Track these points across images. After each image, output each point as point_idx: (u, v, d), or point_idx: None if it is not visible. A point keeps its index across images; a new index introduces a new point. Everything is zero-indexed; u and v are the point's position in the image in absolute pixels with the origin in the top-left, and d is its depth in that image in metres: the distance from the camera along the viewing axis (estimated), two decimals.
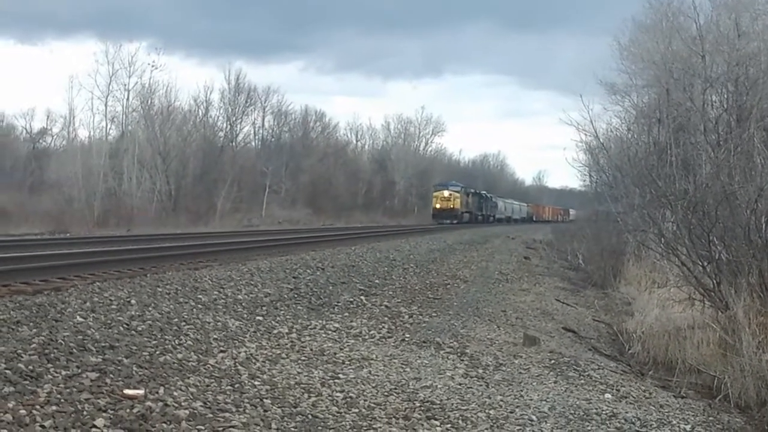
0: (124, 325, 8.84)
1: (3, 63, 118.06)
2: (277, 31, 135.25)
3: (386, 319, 11.89)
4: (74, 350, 7.41)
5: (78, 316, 8.87)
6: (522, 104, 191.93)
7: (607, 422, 7.72)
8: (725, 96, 26.29)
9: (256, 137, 76.48)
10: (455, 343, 10.71)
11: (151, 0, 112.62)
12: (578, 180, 45.75)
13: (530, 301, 17.01)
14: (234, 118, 70.81)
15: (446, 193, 71.88)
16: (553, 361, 10.44)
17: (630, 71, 31.47)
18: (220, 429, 6.09)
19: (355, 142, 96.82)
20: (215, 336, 9.17)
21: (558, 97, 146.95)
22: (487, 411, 7.54)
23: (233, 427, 6.15)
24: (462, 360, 9.76)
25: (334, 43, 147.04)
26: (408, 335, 10.80)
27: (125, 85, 57.69)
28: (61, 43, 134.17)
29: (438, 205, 71.69)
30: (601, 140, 31.13)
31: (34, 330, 7.89)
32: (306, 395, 7.38)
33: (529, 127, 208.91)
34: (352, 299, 13.33)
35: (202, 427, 6.01)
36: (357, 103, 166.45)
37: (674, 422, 8.28)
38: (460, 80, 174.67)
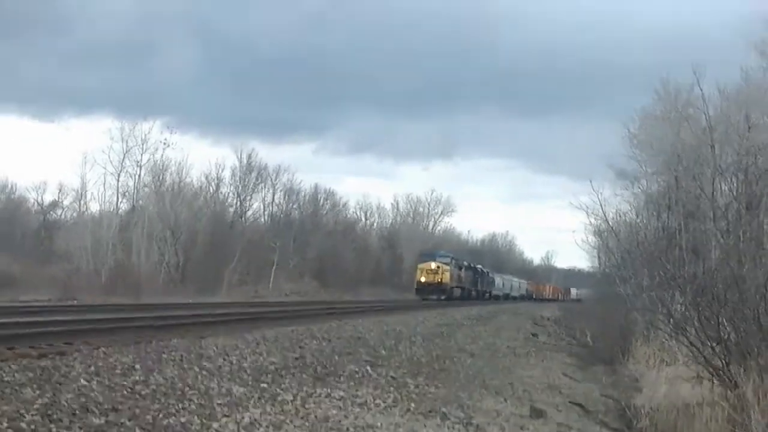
0: (128, 389, 8.79)
1: (19, 138, 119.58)
2: (292, 112, 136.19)
3: (392, 389, 11.79)
4: (77, 412, 7.39)
5: (82, 380, 8.84)
6: (532, 188, 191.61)
7: None
8: (735, 184, 26.49)
9: (266, 213, 76.80)
10: (461, 413, 10.60)
11: (169, 81, 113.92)
12: (586, 261, 45.97)
13: (537, 375, 16.87)
14: (244, 195, 71.34)
15: (433, 264, 62.68)
16: None
17: (640, 159, 31.86)
18: None
19: (364, 220, 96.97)
20: (219, 401, 9.10)
21: (568, 182, 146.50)
22: None
23: None
24: (468, 430, 9.65)
25: (348, 124, 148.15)
26: (414, 405, 10.69)
27: (138, 161, 58.47)
28: (78, 120, 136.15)
29: (423, 278, 62.39)
30: (610, 224, 31.34)
31: (38, 392, 7.87)
32: None
33: (539, 209, 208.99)
34: (357, 369, 13.23)
35: None
36: (368, 183, 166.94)
37: None
38: (471, 163, 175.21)
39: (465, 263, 73.37)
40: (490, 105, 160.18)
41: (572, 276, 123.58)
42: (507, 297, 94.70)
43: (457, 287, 66.66)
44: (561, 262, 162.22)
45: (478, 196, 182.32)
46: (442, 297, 60.18)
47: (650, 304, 22.66)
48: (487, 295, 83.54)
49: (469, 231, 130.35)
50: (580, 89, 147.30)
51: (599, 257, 39.42)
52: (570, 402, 14.32)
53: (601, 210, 30.02)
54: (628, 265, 28.21)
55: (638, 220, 31.95)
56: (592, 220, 31.37)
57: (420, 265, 64.22)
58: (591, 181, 29.37)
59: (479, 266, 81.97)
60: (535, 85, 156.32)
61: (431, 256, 65.16)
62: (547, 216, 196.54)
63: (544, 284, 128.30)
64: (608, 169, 34.05)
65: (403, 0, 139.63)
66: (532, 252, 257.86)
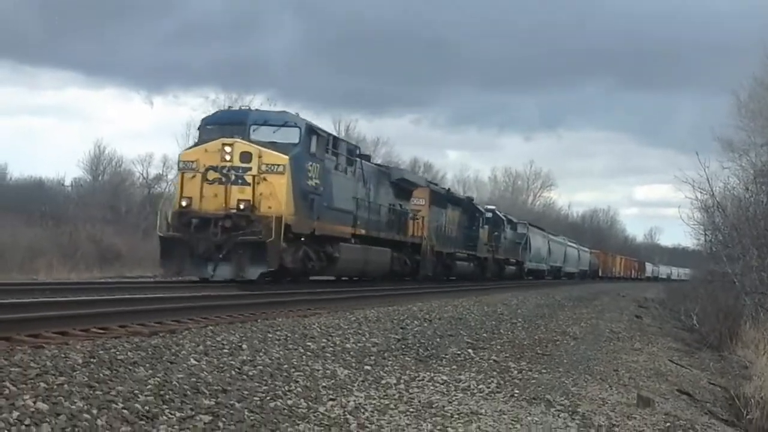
0: (236, 370, 8.94)
1: (130, 112, 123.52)
2: (394, 85, 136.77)
3: (495, 373, 11.72)
4: (188, 392, 7.53)
5: (192, 359, 9.02)
6: (636, 162, 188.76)
7: None
8: None
9: None
10: (566, 401, 10.46)
11: (274, 56, 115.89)
12: (692, 239, 44.44)
13: (643, 361, 16.54)
14: None
15: (229, 148, 19.47)
16: (668, 424, 10.11)
17: (748, 129, 30.91)
18: None
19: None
20: (324, 384, 9.18)
21: (674, 156, 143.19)
22: None
23: None
24: (573, 419, 9.52)
25: (449, 99, 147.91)
26: (517, 391, 10.60)
27: None
28: (185, 95, 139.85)
29: (185, 201, 19.65)
30: (717, 199, 30.50)
31: (150, 371, 8.04)
32: None
33: (643, 184, 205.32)
34: (459, 352, 13.19)
35: None
36: (468, 156, 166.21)
37: None
38: (574, 135, 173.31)
39: (444, 189, 40.05)
40: (595, 77, 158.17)
41: (677, 254, 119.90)
42: (558, 273, 64.85)
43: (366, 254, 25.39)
44: (666, 240, 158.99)
45: (580, 170, 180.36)
46: (264, 271, 19.42)
47: (760, 284, 22.05)
48: (515, 265, 50.87)
49: (569, 205, 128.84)
50: (688, 60, 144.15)
51: (705, 234, 38.40)
52: (677, 390, 14.01)
53: (707, 184, 29.33)
54: (736, 243, 27.44)
55: (747, 195, 30.99)
56: (699, 195, 30.65)
57: (185, 155, 20.56)
58: (697, 154, 28.69)
59: (490, 208, 48.20)
60: (643, 56, 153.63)
61: (230, 120, 21.21)
62: (651, 191, 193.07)
63: (614, 256, 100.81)
64: (715, 141, 33.24)
65: None
66: (635, 229, 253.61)
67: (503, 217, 49.09)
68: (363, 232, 24.87)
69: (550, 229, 70.55)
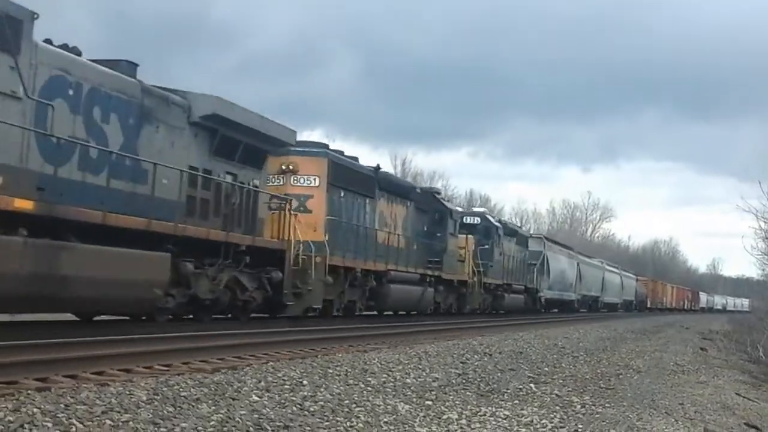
0: (298, 405, 8.97)
1: None
2: (449, 120, 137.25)
3: (557, 408, 11.56)
4: (251, 429, 7.58)
5: (254, 395, 9.08)
6: (697, 191, 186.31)
7: None
8: None
9: None
10: None
11: (331, 91, 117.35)
12: (756, 269, 43.08)
13: (709, 395, 16.21)
14: None
15: None
16: None
17: None
18: None
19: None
20: (385, 419, 9.15)
21: (736, 184, 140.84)
22: None
23: None
24: None
25: (505, 131, 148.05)
26: (581, 426, 10.44)
27: None
28: None
29: None
30: None
31: (213, 408, 8.11)
32: None
33: (705, 213, 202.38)
34: (521, 386, 13.05)
35: None
36: (526, 188, 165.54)
37: None
38: (633, 166, 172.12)
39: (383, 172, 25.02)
40: (654, 106, 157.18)
41: (741, 284, 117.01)
42: (595, 304, 53.93)
43: None
44: (729, 270, 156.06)
45: (640, 200, 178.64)
46: None
47: None
48: (519, 296, 37.50)
49: (629, 237, 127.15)
50: (748, 86, 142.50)
51: None
52: (745, 424, 13.69)
53: None
54: None
55: None
56: (762, 225, 30.12)
57: None
58: (760, 183, 28.23)
59: (477, 211, 37.08)
60: (701, 84, 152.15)
61: None
62: (714, 221, 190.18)
63: (664, 284, 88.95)
64: None
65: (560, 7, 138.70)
66: (698, 260, 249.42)
67: (496, 224, 34.59)
68: (46, 211, 11.52)
69: (611, 261, 67.68)
